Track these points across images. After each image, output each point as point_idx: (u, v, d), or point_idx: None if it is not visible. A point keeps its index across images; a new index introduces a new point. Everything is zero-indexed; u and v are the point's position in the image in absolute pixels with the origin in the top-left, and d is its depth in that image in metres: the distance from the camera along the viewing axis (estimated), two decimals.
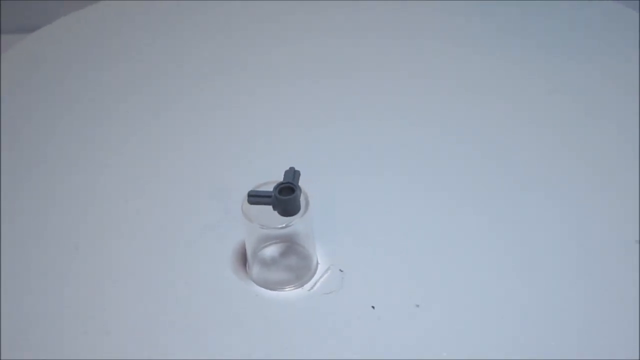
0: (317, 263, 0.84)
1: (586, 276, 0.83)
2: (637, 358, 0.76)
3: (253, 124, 1.03)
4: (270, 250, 0.84)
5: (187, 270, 0.84)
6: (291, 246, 0.84)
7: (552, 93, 1.04)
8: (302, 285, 0.82)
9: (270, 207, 0.78)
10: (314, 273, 0.83)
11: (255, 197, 0.78)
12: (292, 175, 0.79)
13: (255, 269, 0.83)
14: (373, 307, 0.80)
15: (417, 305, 0.80)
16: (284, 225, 0.79)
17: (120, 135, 1.02)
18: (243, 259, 0.84)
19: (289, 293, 0.82)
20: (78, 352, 0.78)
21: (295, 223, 0.79)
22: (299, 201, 0.79)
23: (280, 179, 0.79)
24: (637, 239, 0.84)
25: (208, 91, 1.09)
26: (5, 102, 1.07)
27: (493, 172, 0.95)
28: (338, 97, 1.07)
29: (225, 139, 1.01)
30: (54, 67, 1.15)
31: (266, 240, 0.84)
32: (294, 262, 0.84)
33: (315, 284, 0.82)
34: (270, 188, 0.79)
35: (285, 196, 0.78)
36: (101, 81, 1.11)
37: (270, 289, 0.82)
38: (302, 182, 0.79)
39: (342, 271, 0.83)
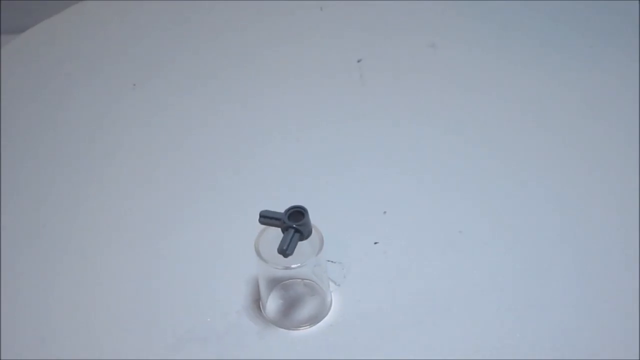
0: (331, 300, 0.83)
1: (586, 276, 0.84)
2: (637, 358, 0.77)
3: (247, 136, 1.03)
4: (285, 289, 0.84)
5: (200, 309, 0.84)
6: (305, 284, 0.84)
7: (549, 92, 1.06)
8: (317, 323, 0.82)
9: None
10: (329, 310, 0.83)
11: (289, 247, 0.76)
12: (270, 212, 0.79)
13: (269, 308, 0.83)
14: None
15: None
16: (298, 264, 0.78)
17: (121, 138, 1.02)
18: (256, 298, 0.84)
19: (305, 331, 0.81)
20: None
21: (310, 262, 0.78)
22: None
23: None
24: None
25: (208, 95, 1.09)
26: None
27: (495, 172, 0.96)
28: (328, 103, 1.07)
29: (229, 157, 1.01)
30: (46, 66, 1.15)
31: (280, 280, 0.83)
32: (309, 300, 0.83)
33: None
34: (274, 236, 0.78)
35: (300, 221, 0.77)
36: (94, 82, 1.12)
37: (286, 328, 0.82)
38: (314, 220, 0.80)
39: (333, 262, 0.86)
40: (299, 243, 0.78)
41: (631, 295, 0.82)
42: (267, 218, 0.78)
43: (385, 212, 0.91)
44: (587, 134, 1.00)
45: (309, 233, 0.78)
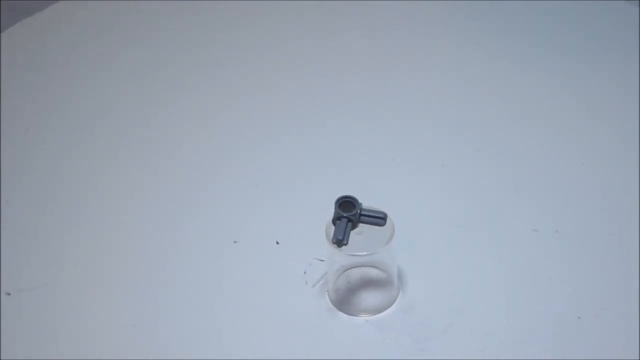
0: (399, 289, 0.83)
1: (585, 275, 0.84)
2: (637, 358, 0.77)
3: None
4: (352, 276, 0.84)
5: (267, 295, 0.85)
6: (373, 272, 0.84)
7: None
8: (382, 312, 0.82)
9: (354, 235, 0.78)
10: (395, 299, 0.83)
11: (345, 237, 0.76)
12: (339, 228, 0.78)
13: (336, 294, 0.83)
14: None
15: None
16: (366, 253, 0.79)
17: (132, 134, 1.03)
18: (324, 282, 0.84)
19: (370, 318, 0.82)
20: None
21: (380, 250, 0.79)
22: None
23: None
24: None
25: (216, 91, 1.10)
26: None
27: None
28: (344, 94, 1.08)
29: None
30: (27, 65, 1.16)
31: (349, 266, 0.84)
32: (375, 288, 0.84)
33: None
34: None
35: (351, 211, 0.77)
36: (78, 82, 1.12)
37: (351, 314, 0.82)
38: (384, 208, 0.80)
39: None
40: (371, 231, 0.78)
41: (631, 295, 0.82)
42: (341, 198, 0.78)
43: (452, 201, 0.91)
44: (588, 134, 0.99)
45: (358, 222, 0.78)
